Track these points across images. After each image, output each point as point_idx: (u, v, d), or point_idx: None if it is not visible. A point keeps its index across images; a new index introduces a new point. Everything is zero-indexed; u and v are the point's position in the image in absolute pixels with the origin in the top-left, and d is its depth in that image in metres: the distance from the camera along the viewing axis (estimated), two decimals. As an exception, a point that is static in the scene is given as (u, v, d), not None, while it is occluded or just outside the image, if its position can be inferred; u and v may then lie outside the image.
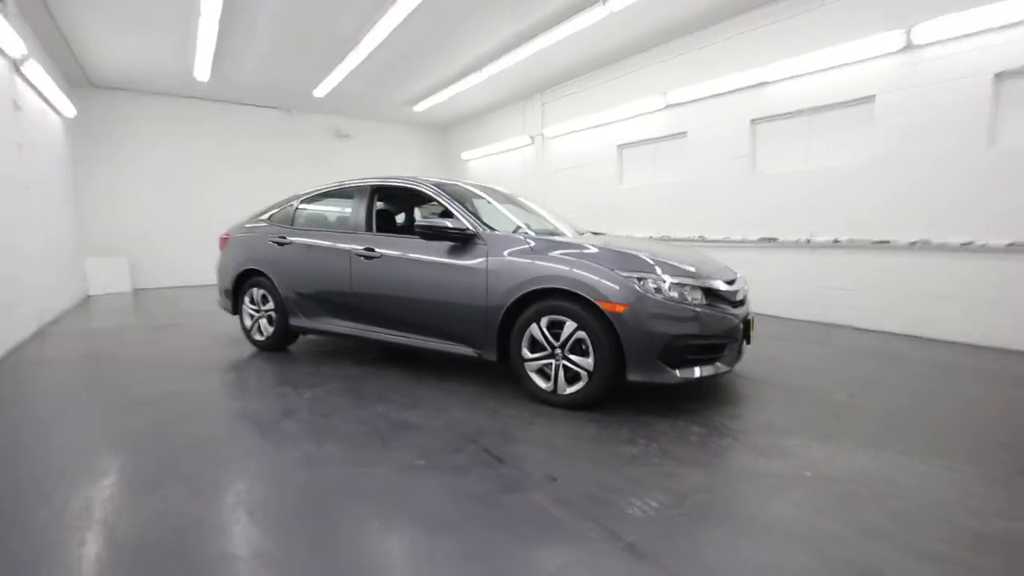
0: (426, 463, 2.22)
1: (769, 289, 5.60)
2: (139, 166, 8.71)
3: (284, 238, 4.08)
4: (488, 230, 3.17)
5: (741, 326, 2.88)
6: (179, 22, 5.80)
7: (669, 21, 5.97)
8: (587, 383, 2.74)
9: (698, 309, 2.69)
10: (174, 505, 1.89)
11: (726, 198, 6.16)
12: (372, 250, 3.56)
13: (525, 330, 2.90)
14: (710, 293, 2.79)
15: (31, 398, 3.18)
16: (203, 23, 5.57)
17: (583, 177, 8.19)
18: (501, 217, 3.54)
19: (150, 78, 7.91)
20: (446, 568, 1.53)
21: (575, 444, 2.41)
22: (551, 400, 2.88)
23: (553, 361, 2.85)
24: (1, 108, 4.53)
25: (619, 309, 2.61)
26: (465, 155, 11.01)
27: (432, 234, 3.19)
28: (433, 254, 3.27)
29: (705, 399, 3.01)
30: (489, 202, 3.74)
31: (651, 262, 2.76)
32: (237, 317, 4.46)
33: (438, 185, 3.57)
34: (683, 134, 6.62)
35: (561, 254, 2.90)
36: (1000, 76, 4.12)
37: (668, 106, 6.69)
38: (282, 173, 9.79)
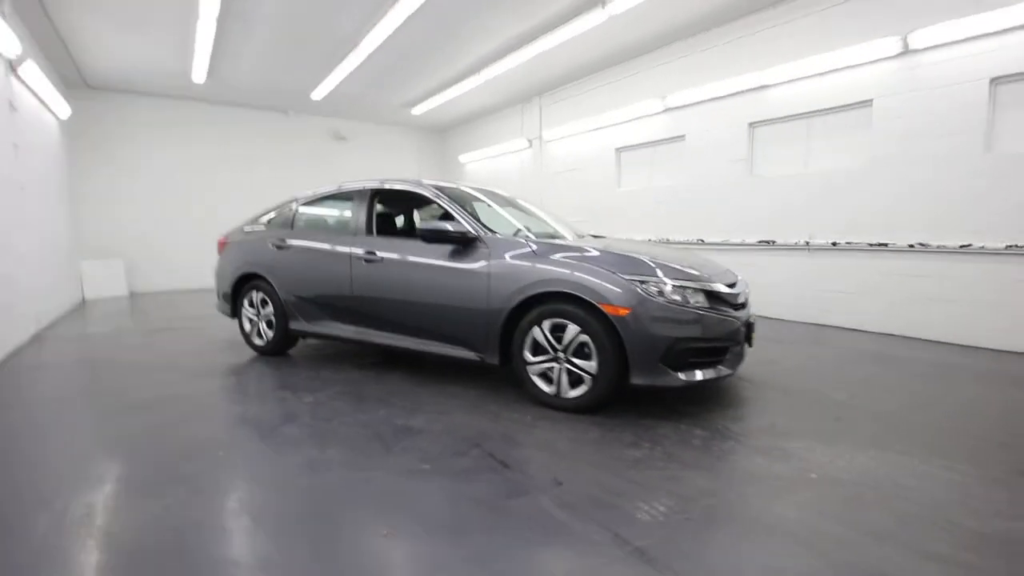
0: (430, 467, 2.20)
1: (768, 292, 5.62)
2: (135, 168, 8.67)
3: (284, 241, 4.06)
4: (489, 233, 3.17)
5: (743, 329, 2.89)
6: (176, 24, 5.78)
7: (668, 25, 6.00)
8: (591, 386, 2.74)
9: (700, 312, 2.69)
10: (175, 509, 1.87)
11: (724, 201, 6.18)
12: (373, 253, 3.54)
13: (527, 333, 2.89)
14: (712, 296, 2.79)
15: (29, 402, 3.16)
16: (201, 24, 5.56)
17: (581, 180, 8.21)
18: (501, 220, 3.54)
19: (147, 80, 7.88)
20: (452, 573, 1.51)
21: (578, 448, 2.41)
22: (554, 404, 2.87)
23: (556, 365, 2.84)
24: (-3, 109, 4.51)
25: (622, 312, 2.61)
26: (462, 158, 11.01)
27: (434, 237, 3.18)
28: (434, 257, 3.26)
29: (706, 402, 3.01)
30: (489, 205, 3.74)
31: (652, 265, 2.76)
32: (236, 321, 4.44)
33: (439, 188, 3.56)
34: (682, 137, 6.65)
35: (563, 257, 2.90)
36: (996, 81, 4.16)
37: (667, 109, 6.71)
38: (280, 174, 9.78)
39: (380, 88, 8.34)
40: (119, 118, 8.48)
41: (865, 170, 4.95)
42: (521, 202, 4.18)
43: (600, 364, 2.69)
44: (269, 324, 4.15)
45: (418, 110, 9.48)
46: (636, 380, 2.65)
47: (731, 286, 2.96)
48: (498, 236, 3.15)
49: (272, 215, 4.34)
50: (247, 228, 4.45)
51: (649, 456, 2.30)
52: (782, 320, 5.63)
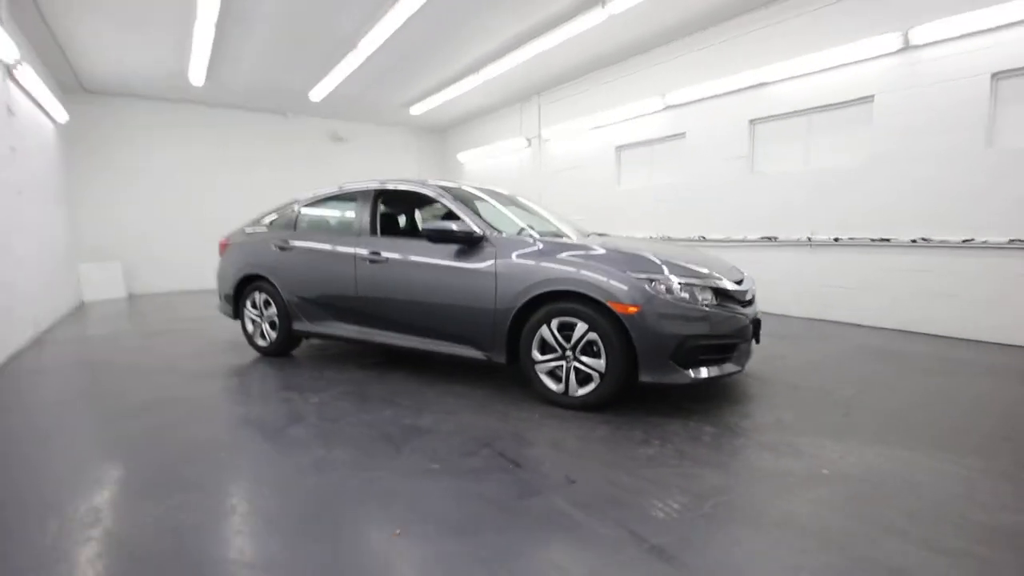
0: (440, 467, 2.19)
1: (771, 288, 5.61)
2: (134, 171, 8.63)
3: (287, 243, 4.04)
4: (495, 232, 3.16)
5: (751, 326, 2.89)
6: (173, 26, 5.74)
7: (668, 23, 6.00)
8: (599, 384, 2.73)
9: (708, 309, 2.68)
10: (180, 510, 1.85)
11: (725, 198, 6.18)
12: (378, 254, 3.53)
13: (535, 332, 2.88)
14: (720, 293, 2.78)
15: (28, 406, 3.13)
16: (199, 26, 5.52)
17: (581, 179, 8.20)
18: (505, 219, 3.52)
19: (144, 83, 7.84)
20: (471, 573, 1.50)
21: (589, 446, 2.40)
22: (562, 402, 2.86)
23: (564, 363, 2.83)
24: (-4, 113, 4.48)
25: (631, 310, 2.60)
26: (462, 157, 11.00)
27: (440, 237, 3.17)
28: (440, 257, 3.25)
29: (714, 399, 3.00)
30: (493, 204, 3.72)
31: (659, 263, 2.75)
32: (237, 322, 4.42)
33: (444, 188, 3.55)
34: (682, 135, 6.65)
35: (569, 256, 2.89)
36: (997, 76, 4.17)
37: (667, 107, 6.71)
38: (280, 176, 9.75)
39: (379, 88, 8.32)
40: (117, 122, 8.45)
41: (866, 166, 4.96)
42: (523, 200, 4.17)
43: (609, 362, 2.68)
44: (272, 325, 4.13)
45: (417, 110, 9.46)
46: (645, 378, 2.65)
47: (738, 283, 2.96)
48: (504, 235, 3.14)
49: (274, 216, 4.32)
50: (248, 230, 4.42)
51: (660, 453, 2.30)
52: (785, 316, 5.63)
